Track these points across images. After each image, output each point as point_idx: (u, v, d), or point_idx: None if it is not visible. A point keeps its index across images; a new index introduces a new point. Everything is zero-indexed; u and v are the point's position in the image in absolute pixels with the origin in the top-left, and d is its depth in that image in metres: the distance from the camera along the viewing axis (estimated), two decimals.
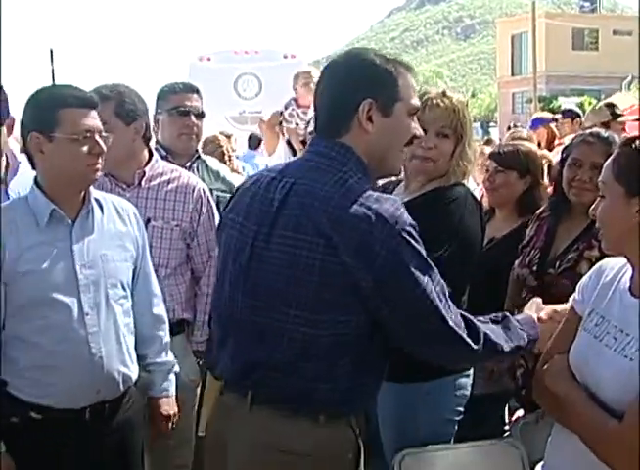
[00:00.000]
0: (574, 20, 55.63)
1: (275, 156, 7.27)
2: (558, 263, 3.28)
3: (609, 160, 2.15)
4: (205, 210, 3.50)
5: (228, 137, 7.83)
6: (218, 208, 3.83)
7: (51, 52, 22.54)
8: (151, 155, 3.51)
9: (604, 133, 3.37)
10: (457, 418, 3.03)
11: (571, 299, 2.35)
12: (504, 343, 2.27)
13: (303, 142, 6.17)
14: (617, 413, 1.99)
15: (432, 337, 2.19)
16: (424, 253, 2.15)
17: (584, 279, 2.34)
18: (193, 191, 3.47)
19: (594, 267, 2.36)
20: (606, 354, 2.08)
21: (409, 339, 2.22)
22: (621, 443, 1.96)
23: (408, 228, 2.12)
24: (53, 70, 21.77)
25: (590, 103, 27.59)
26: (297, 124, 6.80)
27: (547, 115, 9.63)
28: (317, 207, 2.13)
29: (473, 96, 77.00)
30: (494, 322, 2.32)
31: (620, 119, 6.76)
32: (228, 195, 3.94)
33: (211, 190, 3.93)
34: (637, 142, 2.08)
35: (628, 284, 2.14)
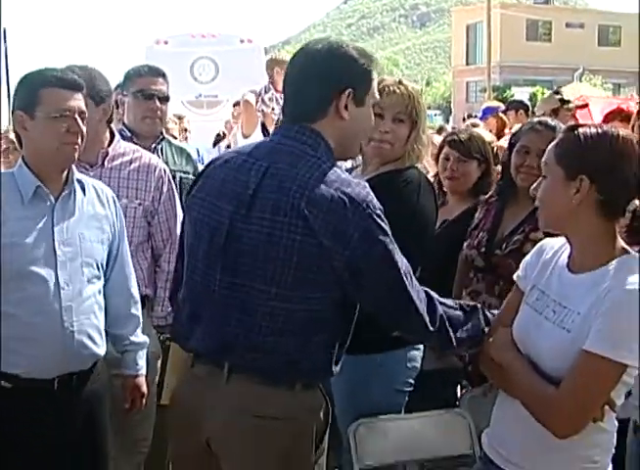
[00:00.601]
0: (529, 11, 56.05)
1: (252, 138, 7.35)
2: (504, 245, 3.41)
3: (552, 142, 2.28)
4: (165, 188, 3.61)
5: (180, 119, 7.89)
6: (181, 189, 3.95)
7: (4, 31, 22.17)
8: (113, 135, 3.59)
9: (551, 122, 3.51)
10: (408, 389, 3.19)
11: (514, 276, 2.49)
12: (459, 334, 2.42)
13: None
14: (556, 381, 2.14)
15: (396, 312, 2.36)
16: (390, 234, 2.29)
17: (527, 257, 2.49)
18: (155, 170, 3.57)
19: (536, 246, 2.50)
20: (546, 327, 2.23)
21: (376, 311, 2.38)
22: (559, 407, 2.11)
23: (378, 211, 2.26)
24: (6, 50, 21.43)
25: (542, 93, 27.99)
26: (272, 109, 6.89)
27: (497, 104, 9.83)
28: (295, 190, 2.24)
29: (428, 84, 77.30)
30: (462, 309, 2.48)
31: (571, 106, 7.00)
32: (191, 176, 4.07)
33: (175, 172, 4.05)
34: (580, 129, 2.22)
35: (566, 261, 2.28)
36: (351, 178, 2.33)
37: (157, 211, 3.56)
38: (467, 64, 54.89)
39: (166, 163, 4.04)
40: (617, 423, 2.29)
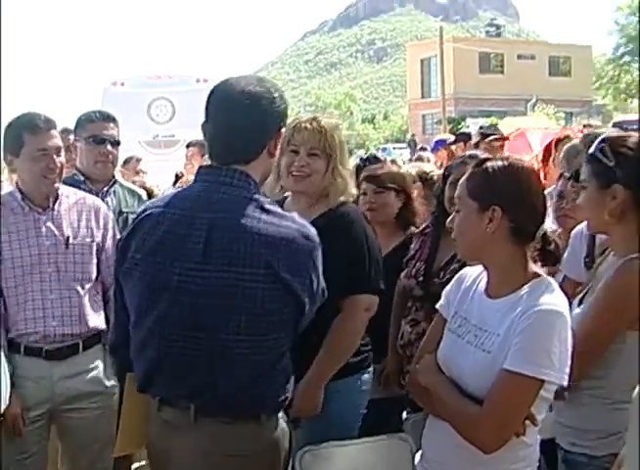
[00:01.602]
0: (481, 44, 57.09)
1: None
2: (442, 274, 3.54)
3: (463, 178, 2.45)
4: (110, 225, 3.73)
5: (138, 161, 8.01)
6: None
7: None
8: None
9: (481, 155, 3.67)
10: (363, 412, 3.34)
11: (437, 305, 2.63)
12: None
13: None
14: (480, 400, 2.27)
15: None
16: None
17: (448, 286, 2.63)
18: (100, 210, 3.70)
19: (456, 276, 2.65)
20: (468, 350, 2.37)
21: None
22: (482, 425, 2.23)
23: (316, 237, 2.45)
24: None
25: (497, 123, 28.44)
26: None
27: (447, 136, 10.09)
28: (252, 238, 2.32)
29: (385, 118, 78.22)
30: None
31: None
32: None
33: (127, 213, 4.20)
34: (487, 163, 2.40)
35: (485, 288, 2.44)
36: (294, 214, 2.48)
37: (105, 247, 3.68)
38: (422, 97, 55.57)
39: (119, 204, 4.23)
40: (538, 437, 2.42)
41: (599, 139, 2.63)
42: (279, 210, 2.46)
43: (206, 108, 2.49)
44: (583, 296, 2.69)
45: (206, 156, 3.17)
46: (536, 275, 2.36)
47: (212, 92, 2.50)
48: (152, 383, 2.50)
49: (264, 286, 2.33)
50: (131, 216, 4.19)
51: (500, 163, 2.39)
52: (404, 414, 4.09)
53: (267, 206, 2.41)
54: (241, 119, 2.44)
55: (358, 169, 5.02)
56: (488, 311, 2.37)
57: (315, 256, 2.43)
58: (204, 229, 2.35)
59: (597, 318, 2.50)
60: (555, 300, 2.27)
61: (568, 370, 2.23)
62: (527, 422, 2.26)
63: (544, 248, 2.40)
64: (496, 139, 6.46)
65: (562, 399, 2.56)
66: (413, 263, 3.76)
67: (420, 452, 2.60)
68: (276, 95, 2.49)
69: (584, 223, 3.03)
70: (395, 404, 3.89)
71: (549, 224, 4.23)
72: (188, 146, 8.26)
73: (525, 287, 2.32)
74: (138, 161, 7.94)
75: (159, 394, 2.50)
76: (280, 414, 2.57)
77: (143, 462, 3.84)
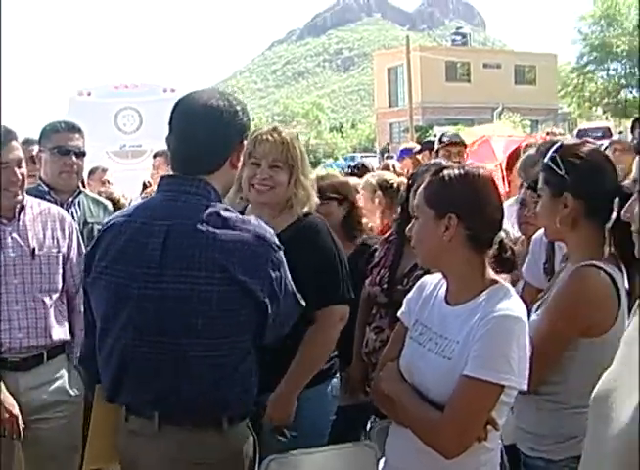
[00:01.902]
0: (447, 53, 57.46)
1: None
2: (406, 281, 3.55)
3: (421, 186, 2.48)
4: (75, 235, 3.72)
5: (104, 171, 7.98)
6: None
7: None
8: None
9: (446, 163, 3.70)
10: (333, 418, 3.37)
11: (399, 313, 2.65)
12: None
13: None
14: (441, 406, 2.29)
15: (290, 315, 2.61)
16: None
17: (409, 295, 2.65)
18: (64, 220, 3.69)
19: (417, 283, 2.68)
20: (429, 357, 2.39)
21: (277, 325, 2.55)
22: (444, 430, 2.25)
23: (274, 238, 2.50)
24: None
25: (463, 131, 28.64)
26: None
27: (413, 145, 10.14)
28: (206, 243, 2.37)
29: (353, 127, 78.45)
30: None
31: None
32: None
33: (92, 224, 4.20)
34: (444, 172, 2.42)
35: (444, 295, 2.47)
36: (250, 218, 2.53)
37: (70, 258, 3.67)
38: (390, 106, 55.78)
39: (84, 215, 4.22)
40: (500, 442, 2.45)
41: (553, 148, 2.67)
42: (236, 215, 2.50)
43: (170, 121, 2.54)
44: (541, 302, 2.73)
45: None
46: (494, 282, 2.38)
47: (176, 105, 2.55)
48: (118, 391, 2.52)
49: (219, 288, 2.36)
50: (96, 227, 4.18)
51: (457, 171, 2.42)
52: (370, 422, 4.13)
53: (223, 212, 2.45)
54: (202, 132, 2.49)
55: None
56: (448, 318, 2.40)
57: (273, 256, 2.46)
58: (161, 236, 2.40)
59: (550, 326, 2.53)
60: (512, 306, 2.29)
61: (527, 375, 2.26)
62: (489, 427, 2.28)
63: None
64: (452, 144, 6.47)
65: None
66: (377, 271, 3.78)
67: (383, 459, 2.62)
68: (238, 108, 2.54)
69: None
70: (362, 412, 3.91)
71: (513, 231, 4.30)
72: (155, 156, 8.23)
73: (484, 294, 2.35)
74: (104, 171, 7.90)
75: (125, 402, 2.53)
76: (245, 422, 2.59)
77: None
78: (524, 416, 2.65)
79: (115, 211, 4.43)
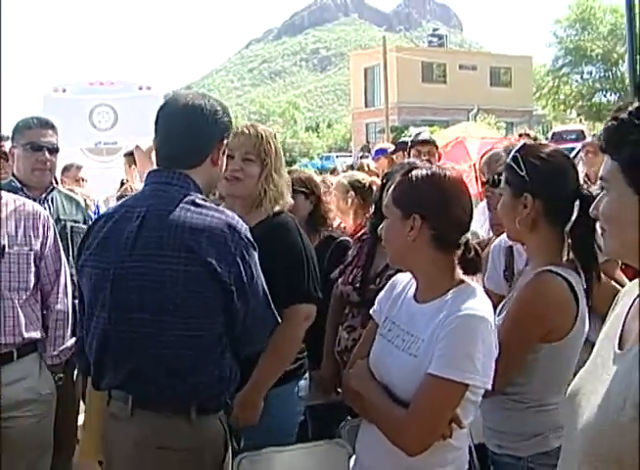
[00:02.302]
0: (424, 54, 57.56)
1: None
2: (378, 280, 3.57)
3: (392, 186, 2.50)
4: (50, 232, 3.71)
5: (78, 168, 7.93)
6: (72, 237, 4.09)
7: None
8: None
9: (418, 163, 3.68)
10: (300, 418, 3.39)
11: (371, 310, 2.68)
12: None
13: None
14: (407, 404, 2.29)
15: (262, 322, 2.66)
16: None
17: (381, 293, 2.68)
18: (40, 217, 3.67)
19: (388, 282, 2.70)
20: (396, 354, 2.41)
21: (249, 329, 2.61)
22: (407, 428, 2.27)
23: (247, 233, 2.57)
24: None
25: (439, 132, 28.75)
26: None
27: (388, 145, 10.18)
28: (175, 225, 2.47)
29: (329, 126, 78.54)
30: None
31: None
32: (81, 224, 4.20)
33: (65, 220, 4.18)
34: (413, 172, 2.44)
35: (413, 293, 2.49)
36: (221, 208, 2.62)
37: (44, 255, 3.65)
38: (366, 106, 55.86)
39: (57, 212, 4.19)
40: (469, 440, 2.48)
41: (515, 148, 2.69)
42: (212, 205, 2.59)
43: (156, 121, 2.69)
44: (502, 306, 2.74)
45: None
46: (461, 281, 2.40)
47: (161, 107, 2.71)
48: (101, 375, 2.60)
49: (185, 268, 2.44)
50: (69, 224, 4.19)
51: (424, 171, 2.43)
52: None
53: (198, 201, 2.56)
54: (183, 129, 2.63)
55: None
56: (415, 316, 2.42)
57: (243, 248, 2.51)
58: (137, 221, 2.53)
59: (511, 331, 2.53)
60: (478, 305, 2.30)
61: (492, 374, 2.26)
62: (454, 425, 2.29)
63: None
64: (422, 143, 6.51)
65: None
66: (350, 270, 3.79)
67: (354, 457, 2.64)
68: (218, 108, 2.67)
69: (503, 236, 3.10)
70: (334, 411, 3.90)
71: (482, 233, 4.33)
72: (126, 155, 8.20)
73: (450, 293, 2.36)
74: (78, 168, 7.85)
75: (106, 386, 2.60)
76: (218, 415, 2.62)
77: None
78: (490, 415, 2.67)
79: None
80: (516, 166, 2.61)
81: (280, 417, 3.25)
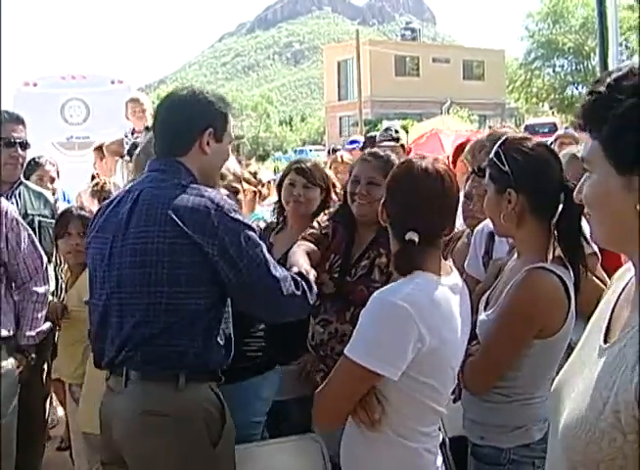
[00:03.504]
0: (397, 47, 57.75)
1: (117, 176, 7.51)
2: (354, 271, 3.50)
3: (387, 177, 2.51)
4: (22, 227, 3.71)
5: (52, 164, 7.89)
6: (40, 232, 4.08)
7: None
8: None
9: (381, 152, 3.65)
10: (261, 419, 3.37)
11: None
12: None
13: None
14: None
15: (265, 290, 2.69)
16: (247, 224, 2.69)
17: None
18: (7, 214, 3.65)
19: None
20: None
21: (248, 299, 2.71)
22: (316, 403, 2.32)
23: (233, 208, 2.67)
24: None
25: (412, 125, 28.87)
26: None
27: (361, 138, 10.24)
28: (162, 202, 2.62)
29: (303, 120, 78.58)
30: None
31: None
32: (50, 219, 4.20)
33: (33, 215, 4.16)
34: (406, 163, 2.46)
35: None
36: (207, 188, 2.71)
37: (17, 248, 3.65)
38: (339, 99, 55.89)
39: (25, 206, 4.18)
40: (442, 437, 2.49)
41: (498, 143, 2.66)
42: (198, 186, 2.70)
43: (154, 114, 2.94)
44: (488, 300, 2.72)
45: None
46: (418, 270, 2.34)
47: (160, 102, 2.92)
48: (102, 351, 2.73)
49: (170, 241, 2.58)
50: (37, 219, 4.18)
51: (401, 165, 2.51)
52: None
53: (184, 183, 2.70)
54: (170, 119, 2.82)
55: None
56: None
57: (227, 221, 2.61)
58: (130, 202, 2.69)
59: (502, 331, 2.53)
60: (403, 292, 2.25)
61: (400, 365, 2.22)
62: (400, 423, 2.31)
63: (404, 251, 2.37)
64: (386, 141, 6.56)
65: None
66: (327, 255, 3.60)
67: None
68: (204, 98, 2.81)
69: (486, 221, 3.10)
70: (306, 404, 3.89)
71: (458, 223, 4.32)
72: (98, 149, 8.18)
73: (402, 278, 2.34)
74: (52, 164, 7.81)
75: (106, 361, 2.71)
76: (209, 384, 2.69)
77: None
78: (474, 407, 2.68)
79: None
80: (498, 162, 2.60)
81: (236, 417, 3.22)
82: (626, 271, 1.56)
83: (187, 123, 2.77)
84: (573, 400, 1.43)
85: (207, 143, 2.77)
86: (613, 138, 1.36)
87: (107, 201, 2.93)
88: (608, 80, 1.38)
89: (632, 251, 1.42)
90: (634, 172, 1.32)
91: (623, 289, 1.54)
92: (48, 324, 3.74)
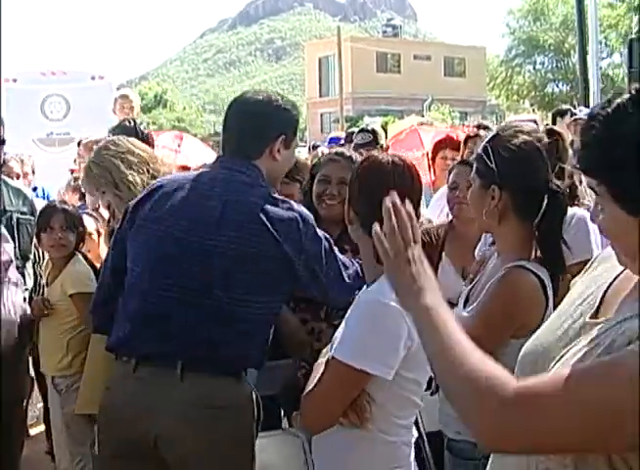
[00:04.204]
0: (378, 44, 57.84)
1: None
2: None
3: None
4: None
5: (22, 161, 7.85)
6: (19, 229, 4.08)
7: None
8: None
9: (347, 152, 3.69)
10: None
11: None
12: None
13: None
14: None
15: (337, 294, 2.88)
16: (327, 237, 2.83)
17: None
18: None
19: None
20: (336, 337, 2.48)
21: (322, 298, 2.98)
22: (305, 406, 2.39)
23: (313, 221, 2.79)
24: None
25: (394, 122, 28.88)
26: None
27: (341, 134, 10.29)
28: (253, 210, 2.68)
29: None
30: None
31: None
32: (28, 216, 4.21)
33: (12, 212, 4.17)
34: (371, 158, 2.51)
35: None
36: (292, 201, 2.83)
37: None
38: (320, 96, 55.87)
39: (3, 203, 4.19)
40: (415, 434, 2.52)
41: (488, 137, 2.65)
42: (282, 197, 2.81)
43: (225, 113, 2.94)
44: (468, 296, 2.74)
45: None
46: None
47: (231, 102, 2.98)
48: (139, 342, 2.71)
49: (262, 250, 2.66)
50: (16, 215, 4.18)
51: (362, 159, 2.58)
52: None
53: (272, 192, 2.79)
54: (245, 122, 2.86)
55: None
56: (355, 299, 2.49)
57: (311, 235, 2.73)
58: (220, 202, 2.71)
59: (480, 329, 2.45)
60: (386, 290, 2.27)
61: (393, 364, 2.26)
62: (395, 419, 2.34)
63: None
64: (361, 145, 6.61)
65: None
66: None
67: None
68: (280, 104, 2.86)
69: None
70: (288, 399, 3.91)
71: (441, 218, 4.34)
72: (78, 144, 8.14)
73: (382, 277, 2.31)
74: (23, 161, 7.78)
75: (141, 351, 2.71)
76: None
77: None
78: (449, 403, 2.70)
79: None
80: (485, 157, 2.57)
81: None
82: (612, 256, 1.55)
83: (261, 130, 2.84)
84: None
85: (278, 150, 2.84)
86: (616, 183, 1.35)
87: (156, 185, 2.90)
88: (600, 116, 1.36)
89: None
90: None
91: (619, 275, 1.54)
92: None
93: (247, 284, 2.67)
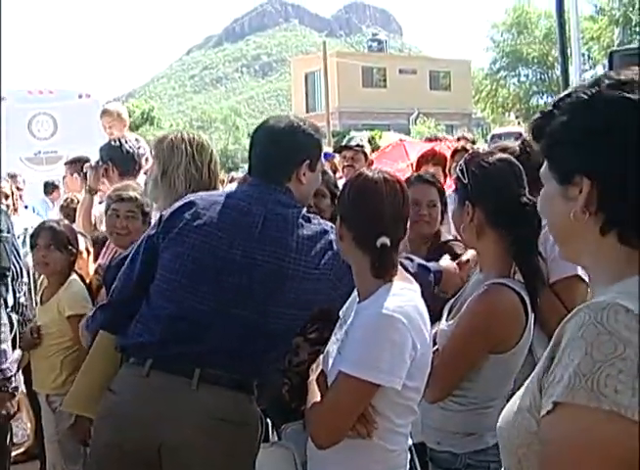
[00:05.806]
0: (364, 59, 57.85)
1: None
2: None
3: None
4: None
5: (12, 177, 7.88)
6: None
7: None
8: None
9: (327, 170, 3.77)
10: None
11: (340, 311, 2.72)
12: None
13: None
14: None
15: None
16: None
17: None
18: None
19: None
20: (333, 350, 2.51)
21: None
22: (315, 420, 2.40)
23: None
24: None
25: (380, 136, 28.92)
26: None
27: (330, 150, 10.35)
28: (291, 230, 2.77)
29: None
30: None
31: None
32: (5, 234, 4.25)
33: None
34: (362, 175, 2.51)
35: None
36: (322, 220, 2.91)
37: None
38: (307, 111, 55.62)
39: None
40: (410, 442, 2.56)
41: (465, 156, 2.74)
42: (315, 217, 2.89)
43: (252, 139, 3.01)
44: (450, 309, 2.79)
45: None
46: (389, 280, 2.41)
47: (257, 129, 3.02)
48: (161, 344, 2.74)
49: (302, 269, 2.73)
50: None
51: (353, 176, 2.59)
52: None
53: (306, 214, 2.87)
54: (270, 149, 2.93)
55: None
56: (355, 314, 2.47)
57: (339, 256, 2.70)
58: (260, 219, 2.79)
59: (458, 344, 2.59)
60: (392, 303, 2.31)
61: (402, 374, 2.29)
62: (376, 425, 2.35)
63: (380, 258, 2.42)
64: (346, 148, 6.69)
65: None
66: None
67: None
68: (303, 129, 2.92)
69: None
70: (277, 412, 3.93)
71: None
72: (66, 164, 8.16)
73: (378, 291, 2.39)
74: (13, 177, 7.83)
75: (159, 354, 2.73)
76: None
77: None
78: (430, 414, 2.72)
79: None
80: (461, 175, 2.66)
81: None
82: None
83: (287, 157, 2.89)
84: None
85: (304, 173, 2.89)
86: (549, 151, 1.43)
87: (189, 200, 2.91)
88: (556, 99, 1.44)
89: (576, 258, 1.47)
90: (571, 182, 1.37)
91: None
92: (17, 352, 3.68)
93: (283, 298, 2.72)
